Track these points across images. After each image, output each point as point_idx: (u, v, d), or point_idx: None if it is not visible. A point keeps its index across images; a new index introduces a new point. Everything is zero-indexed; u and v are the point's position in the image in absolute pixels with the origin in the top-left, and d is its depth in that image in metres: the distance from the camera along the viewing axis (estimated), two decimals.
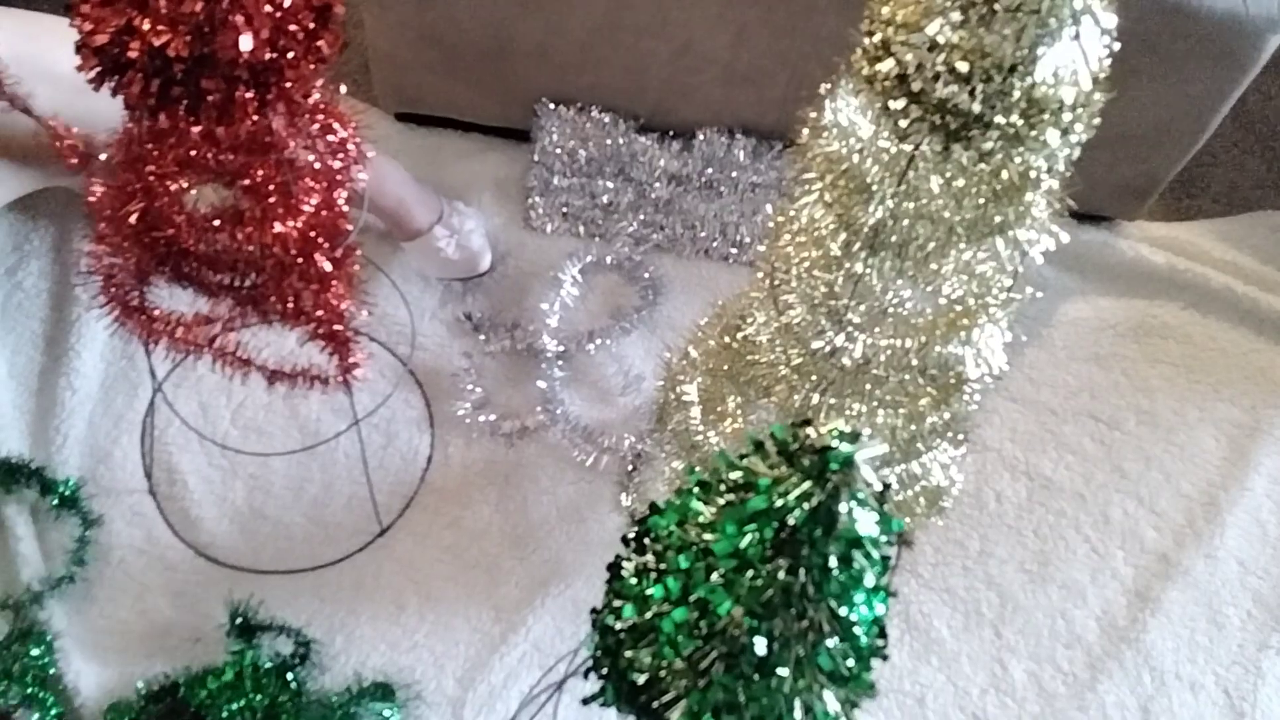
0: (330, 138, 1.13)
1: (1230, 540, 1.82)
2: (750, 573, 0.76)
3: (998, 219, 0.98)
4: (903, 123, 0.88)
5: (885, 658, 0.89)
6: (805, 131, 1.04)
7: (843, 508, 0.71)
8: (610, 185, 1.96)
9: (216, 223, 1.13)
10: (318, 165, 1.15)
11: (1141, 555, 1.80)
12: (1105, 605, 1.76)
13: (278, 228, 1.12)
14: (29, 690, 1.53)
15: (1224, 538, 1.81)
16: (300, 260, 1.17)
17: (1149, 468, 1.87)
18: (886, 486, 0.72)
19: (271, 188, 1.11)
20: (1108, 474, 1.86)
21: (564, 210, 1.96)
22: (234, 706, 1.50)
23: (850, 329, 1.13)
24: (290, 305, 1.21)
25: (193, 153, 1.11)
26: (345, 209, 1.19)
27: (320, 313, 1.26)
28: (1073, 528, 1.81)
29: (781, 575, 0.74)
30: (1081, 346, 1.96)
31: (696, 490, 0.84)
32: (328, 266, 1.19)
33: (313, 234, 1.15)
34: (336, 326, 1.29)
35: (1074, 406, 1.91)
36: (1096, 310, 1.99)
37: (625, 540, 0.93)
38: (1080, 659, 1.72)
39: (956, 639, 1.72)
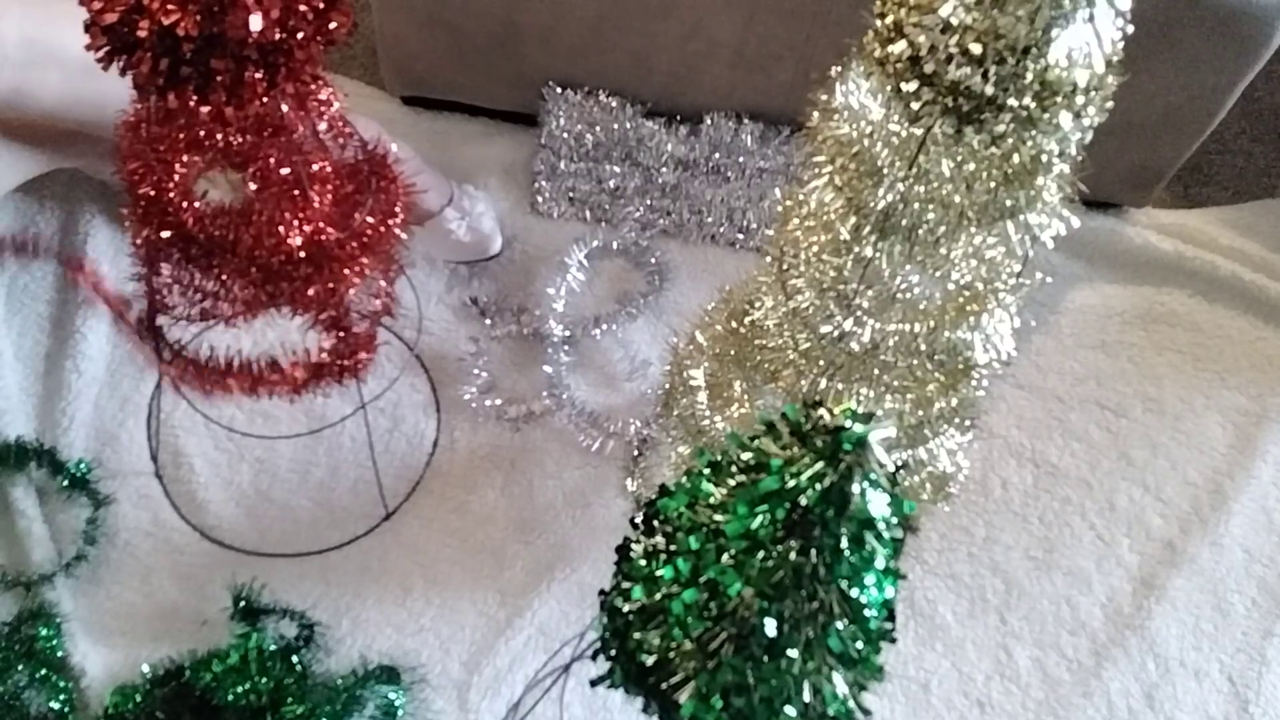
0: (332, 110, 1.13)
1: (1236, 528, 1.81)
2: (761, 554, 0.76)
3: (1008, 203, 0.98)
4: (914, 105, 0.88)
5: (893, 640, 0.89)
6: (815, 114, 1.03)
7: (855, 488, 0.71)
8: (617, 170, 1.95)
9: (222, 221, 1.13)
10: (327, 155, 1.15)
11: (1147, 543, 1.80)
12: (1110, 592, 1.76)
13: (291, 239, 1.13)
14: (37, 672, 1.53)
15: (1230, 525, 1.81)
16: (312, 263, 1.17)
17: (1155, 455, 1.86)
18: (899, 467, 0.72)
19: (284, 173, 1.11)
20: (1114, 461, 1.86)
21: (571, 195, 1.95)
22: (239, 689, 1.50)
23: (859, 314, 1.13)
24: (301, 296, 1.21)
25: (201, 134, 1.11)
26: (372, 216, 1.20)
27: (330, 308, 1.27)
28: (1078, 515, 1.81)
29: (793, 556, 0.74)
30: (1088, 334, 1.96)
31: (707, 471, 0.84)
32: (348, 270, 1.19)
33: (326, 235, 1.16)
34: (354, 327, 1.30)
35: (1080, 394, 1.90)
36: (1104, 297, 1.99)
37: (634, 522, 0.93)
38: (1085, 646, 1.72)
39: (962, 625, 1.72)
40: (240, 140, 1.13)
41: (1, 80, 1.36)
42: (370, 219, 1.19)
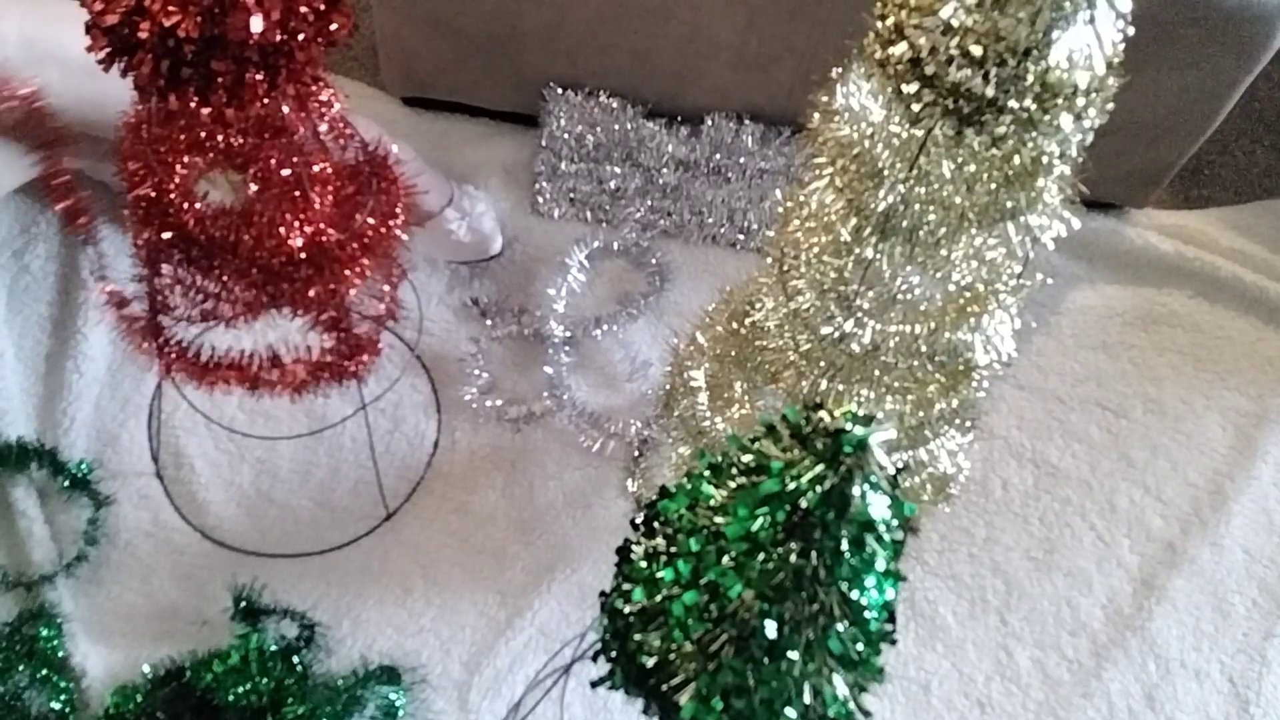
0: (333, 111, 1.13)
1: (1236, 529, 1.81)
2: (761, 556, 0.76)
3: (1009, 204, 0.98)
4: (915, 107, 0.88)
5: (894, 642, 0.90)
6: (816, 116, 1.03)
7: (855, 491, 0.71)
8: (618, 171, 1.95)
9: (223, 223, 1.13)
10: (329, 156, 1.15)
11: (1147, 543, 1.80)
12: (1111, 593, 1.76)
13: (292, 240, 1.13)
14: (38, 672, 1.53)
15: (1230, 526, 1.81)
16: (312, 264, 1.17)
17: (1156, 456, 1.86)
18: (900, 469, 0.72)
19: (285, 174, 1.11)
20: (1114, 462, 1.86)
21: (571, 196, 1.95)
22: (240, 690, 1.50)
23: (859, 315, 1.13)
24: (301, 298, 1.21)
25: (202, 135, 1.11)
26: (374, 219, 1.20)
27: (331, 309, 1.27)
28: (1079, 516, 1.81)
29: (793, 558, 0.74)
30: (1089, 334, 1.96)
31: (707, 473, 0.84)
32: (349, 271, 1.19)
33: (327, 236, 1.16)
34: (354, 328, 1.30)
35: (1081, 394, 1.90)
36: (1104, 298, 1.99)
37: (635, 524, 0.93)
38: (1085, 646, 1.72)
39: (962, 626, 1.72)
40: (241, 141, 1.13)
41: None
42: (371, 220, 1.19)
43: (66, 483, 1.68)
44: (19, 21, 1.35)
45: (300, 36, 0.94)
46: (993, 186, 0.96)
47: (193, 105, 0.95)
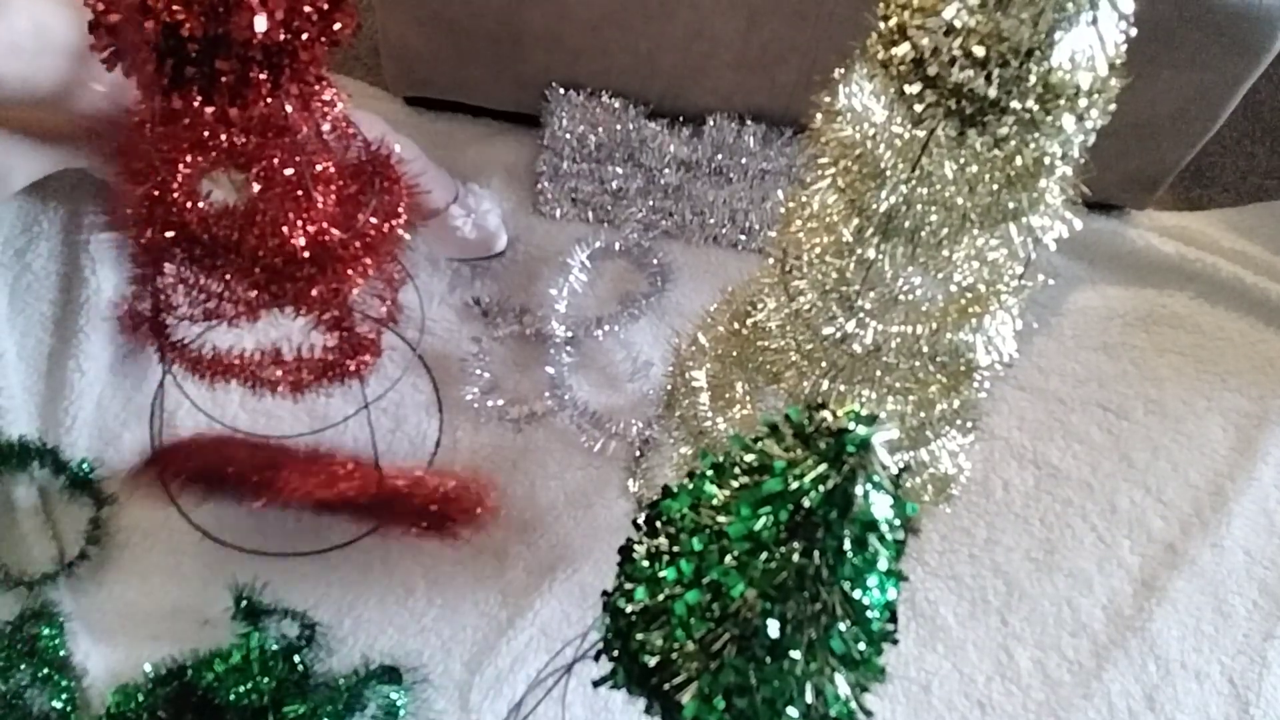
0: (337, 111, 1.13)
1: (1237, 530, 1.82)
2: (764, 555, 0.76)
3: (1011, 205, 0.98)
4: (917, 107, 0.88)
5: (895, 642, 0.90)
6: (818, 116, 1.03)
7: (858, 490, 0.71)
8: (620, 171, 1.95)
9: (226, 222, 1.13)
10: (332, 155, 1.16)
11: (1148, 544, 1.80)
12: (1111, 594, 1.76)
13: (295, 240, 1.13)
14: (40, 671, 1.53)
15: (1230, 527, 1.81)
16: (315, 263, 1.17)
17: (1156, 457, 1.87)
18: (903, 469, 0.72)
19: (288, 173, 1.11)
20: (1115, 463, 1.86)
21: (573, 196, 1.96)
22: (241, 689, 1.50)
23: (861, 315, 1.13)
24: (304, 297, 1.21)
25: (206, 134, 1.11)
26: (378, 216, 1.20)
27: (334, 309, 1.27)
28: (1080, 516, 1.81)
29: (796, 558, 0.75)
30: (1090, 335, 1.96)
31: (710, 473, 0.84)
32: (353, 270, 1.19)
33: (329, 235, 1.16)
34: (356, 328, 1.30)
35: (1082, 395, 1.91)
36: (1105, 299, 1.99)
37: (637, 524, 0.93)
38: (1086, 647, 1.72)
39: (963, 626, 1.72)
40: (244, 141, 1.13)
41: (13, 70, 1.36)
42: (374, 219, 1.19)
43: (68, 482, 1.68)
44: (29, 8, 1.35)
45: (304, 36, 0.95)
46: (995, 187, 0.96)
47: (196, 104, 0.95)
